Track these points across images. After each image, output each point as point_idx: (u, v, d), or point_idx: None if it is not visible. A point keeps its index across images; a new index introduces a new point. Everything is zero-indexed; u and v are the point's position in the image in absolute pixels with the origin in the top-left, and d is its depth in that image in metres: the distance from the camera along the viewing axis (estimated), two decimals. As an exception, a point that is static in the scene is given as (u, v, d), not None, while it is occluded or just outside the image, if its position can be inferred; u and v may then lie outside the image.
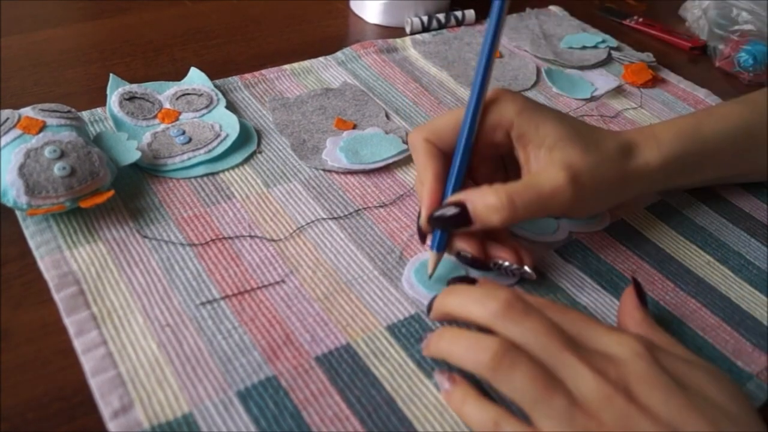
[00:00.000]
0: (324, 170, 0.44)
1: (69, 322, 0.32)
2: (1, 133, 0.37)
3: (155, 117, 0.46)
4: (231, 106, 0.48)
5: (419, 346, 0.33)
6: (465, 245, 0.36)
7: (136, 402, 0.29)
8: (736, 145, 0.41)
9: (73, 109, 0.41)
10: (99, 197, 0.37)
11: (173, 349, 0.32)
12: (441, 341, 0.31)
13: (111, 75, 0.48)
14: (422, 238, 0.37)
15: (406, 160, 0.45)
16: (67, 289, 0.34)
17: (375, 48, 0.58)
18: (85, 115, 0.45)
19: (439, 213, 0.35)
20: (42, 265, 0.35)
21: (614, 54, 0.61)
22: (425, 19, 0.62)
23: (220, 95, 0.48)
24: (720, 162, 0.42)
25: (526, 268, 0.36)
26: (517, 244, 0.37)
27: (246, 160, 0.44)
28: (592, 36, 0.63)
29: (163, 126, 0.45)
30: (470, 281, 0.35)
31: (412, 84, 0.54)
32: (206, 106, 0.47)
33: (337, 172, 0.44)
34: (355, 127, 0.48)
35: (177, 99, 0.47)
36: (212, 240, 0.38)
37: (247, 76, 0.52)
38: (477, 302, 0.31)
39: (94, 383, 0.30)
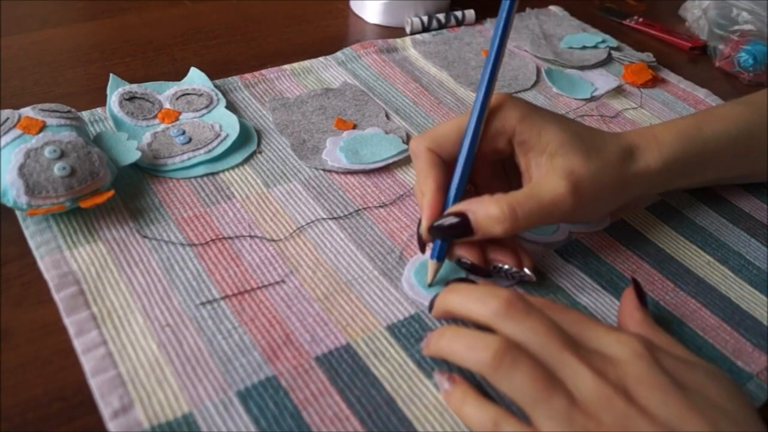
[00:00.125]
0: (324, 170, 0.44)
1: (69, 322, 0.32)
2: (1, 133, 0.37)
3: (155, 117, 0.46)
4: (231, 106, 0.48)
5: (419, 346, 0.33)
6: (465, 252, 0.36)
7: (136, 402, 0.29)
8: (737, 146, 0.41)
9: (73, 109, 0.41)
10: (99, 197, 0.37)
11: (173, 349, 0.32)
12: (441, 340, 0.31)
13: (111, 75, 0.48)
14: (422, 247, 0.37)
15: (406, 160, 0.45)
16: (67, 289, 0.34)
17: (375, 48, 0.58)
18: (85, 115, 0.45)
19: (439, 223, 0.35)
20: (42, 265, 0.35)
21: (614, 54, 0.61)
22: (425, 19, 0.62)
23: (220, 95, 0.48)
24: (720, 163, 0.42)
25: (526, 270, 0.36)
26: (516, 245, 0.37)
27: (246, 160, 0.44)
28: (592, 36, 0.63)
29: (163, 126, 0.45)
30: (471, 283, 0.35)
31: (412, 84, 0.54)
32: (206, 106, 0.47)
33: (337, 172, 0.44)
34: (355, 127, 0.48)
35: (177, 99, 0.47)
36: (212, 240, 0.38)
37: (247, 76, 0.52)
38: (478, 301, 0.31)
39: (94, 383, 0.30)
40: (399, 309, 0.35)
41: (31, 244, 0.36)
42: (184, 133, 0.44)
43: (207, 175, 0.43)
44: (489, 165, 0.39)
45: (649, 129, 0.40)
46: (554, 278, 0.38)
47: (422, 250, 0.37)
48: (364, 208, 0.42)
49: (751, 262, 0.41)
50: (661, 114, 0.54)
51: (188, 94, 0.48)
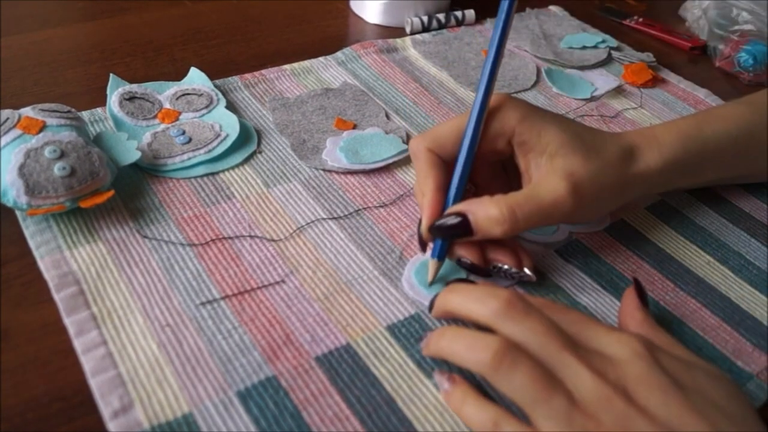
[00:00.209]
0: (324, 170, 0.44)
1: (69, 322, 0.32)
2: (1, 133, 0.37)
3: (155, 117, 0.46)
4: (231, 106, 0.48)
5: (419, 346, 0.33)
6: (465, 252, 0.36)
7: (136, 402, 0.29)
8: (737, 147, 0.41)
9: (73, 109, 0.41)
10: (99, 197, 0.37)
11: (173, 349, 0.32)
12: (442, 340, 0.31)
13: (111, 75, 0.48)
14: (422, 246, 0.37)
15: (406, 160, 0.45)
16: (67, 289, 0.34)
17: (375, 48, 0.58)
18: (85, 115, 0.45)
19: (440, 223, 0.35)
20: (42, 265, 0.35)
21: (614, 54, 0.61)
22: (425, 19, 0.62)
23: (220, 95, 0.48)
24: (721, 163, 0.42)
25: (526, 270, 0.36)
26: (516, 245, 0.37)
27: (246, 160, 0.44)
28: (592, 36, 0.63)
29: (163, 126, 0.45)
30: (471, 283, 0.35)
31: (412, 84, 0.54)
32: (206, 106, 0.47)
33: (337, 172, 0.44)
34: (355, 127, 0.48)
35: (177, 99, 0.47)
36: (212, 240, 0.38)
37: (247, 76, 0.52)
38: (478, 300, 0.31)
39: (94, 383, 0.30)
40: (399, 309, 0.35)
41: (31, 244, 0.36)
42: (184, 133, 0.44)
43: (207, 175, 0.43)
44: (489, 165, 0.39)
45: (649, 129, 0.40)
46: (554, 278, 0.38)
47: (423, 249, 0.37)
48: (364, 208, 0.42)
49: (751, 262, 0.41)
50: (661, 114, 0.54)
51: (188, 94, 0.48)
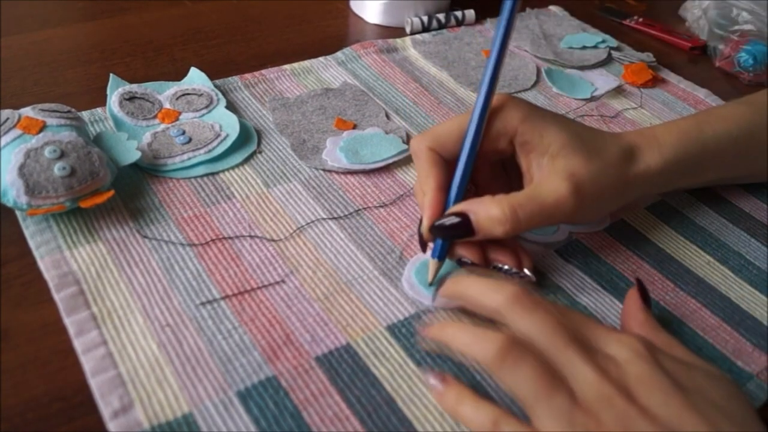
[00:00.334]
0: (324, 170, 0.44)
1: (69, 322, 0.32)
2: (1, 133, 0.37)
3: (155, 117, 0.46)
4: (231, 106, 0.48)
5: (419, 346, 0.33)
6: (465, 252, 0.36)
7: (136, 402, 0.29)
8: (738, 147, 0.41)
9: (73, 109, 0.41)
10: (99, 197, 0.37)
11: (173, 349, 0.32)
12: (448, 328, 0.31)
13: (111, 75, 0.48)
14: (423, 246, 0.37)
15: (406, 160, 0.45)
16: (67, 289, 0.34)
17: (375, 48, 0.58)
18: (85, 115, 0.45)
19: (440, 222, 0.35)
20: (42, 265, 0.35)
21: (614, 54, 0.61)
22: (425, 19, 0.62)
23: (220, 95, 0.48)
24: (721, 163, 0.42)
25: (526, 270, 0.36)
26: (517, 245, 0.37)
27: (246, 160, 0.44)
28: (592, 36, 0.63)
29: (163, 126, 0.45)
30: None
31: (412, 84, 0.54)
32: (206, 106, 0.47)
33: (337, 172, 0.44)
34: (355, 127, 0.48)
35: (177, 99, 0.47)
36: (212, 240, 0.38)
37: (247, 76, 0.52)
38: (490, 287, 0.31)
39: (94, 383, 0.30)
40: (399, 309, 0.35)
41: (31, 244, 0.36)
42: (184, 133, 0.44)
43: (207, 175, 0.43)
44: (490, 165, 0.39)
45: (649, 129, 0.40)
46: (554, 278, 0.38)
47: (423, 249, 0.37)
48: (364, 208, 0.42)
49: (751, 262, 0.41)
50: (661, 114, 0.54)
51: (188, 94, 0.48)
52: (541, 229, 0.41)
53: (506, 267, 0.36)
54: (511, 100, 0.37)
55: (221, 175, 0.43)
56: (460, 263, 0.36)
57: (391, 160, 0.45)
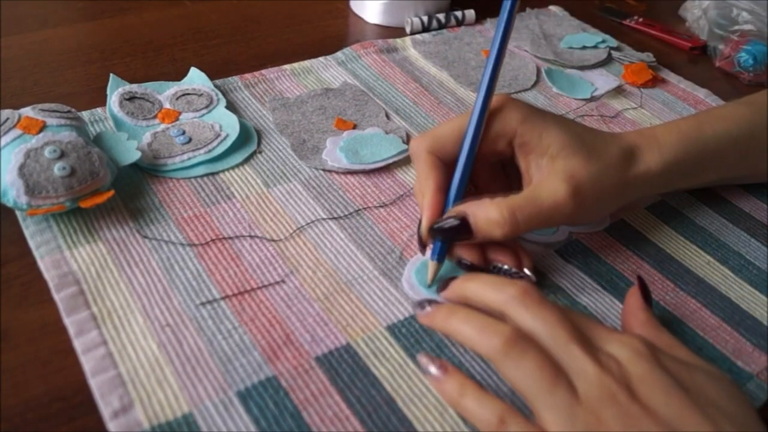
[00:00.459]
0: (324, 170, 0.44)
1: (69, 322, 0.32)
2: (1, 133, 0.37)
3: (155, 117, 0.46)
4: (231, 106, 0.48)
5: (420, 346, 0.33)
6: (465, 253, 0.36)
7: (136, 402, 0.29)
8: (738, 147, 0.41)
9: (73, 109, 0.41)
10: (99, 197, 0.37)
11: (173, 349, 0.32)
12: (452, 317, 0.31)
13: (111, 75, 0.48)
14: (422, 247, 0.37)
15: (406, 160, 0.45)
16: (67, 289, 0.34)
17: (375, 48, 0.58)
18: (85, 115, 0.45)
19: (440, 224, 0.35)
20: (42, 265, 0.35)
21: (614, 54, 0.61)
22: (425, 19, 0.62)
23: (220, 95, 0.48)
24: (721, 164, 0.42)
25: (526, 270, 0.36)
26: (517, 245, 0.37)
27: (246, 160, 0.44)
28: (592, 36, 0.63)
29: (163, 126, 0.45)
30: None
31: (412, 84, 0.54)
32: (206, 106, 0.47)
33: (337, 172, 0.44)
34: (355, 127, 0.48)
35: (177, 99, 0.47)
36: (212, 240, 0.38)
37: (247, 76, 0.52)
38: (495, 286, 0.31)
39: (94, 383, 0.30)
40: (399, 309, 0.35)
41: (31, 244, 0.36)
42: (184, 133, 0.44)
43: (207, 175, 0.43)
44: (489, 166, 0.39)
45: (649, 130, 0.40)
46: (554, 278, 0.38)
47: (422, 250, 0.37)
48: (364, 208, 0.42)
49: (751, 262, 0.41)
50: (661, 114, 0.54)
51: (188, 94, 0.48)
52: (540, 230, 0.41)
53: (506, 267, 0.36)
54: (510, 101, 0.37)
55: (221, 175, 0.43)
56: (460, 264, 0.36)
57: (391, 160, 0.45)
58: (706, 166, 0.41)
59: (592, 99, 0.55)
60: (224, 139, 0.44)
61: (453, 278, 0.34)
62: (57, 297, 0.34)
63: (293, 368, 0.32)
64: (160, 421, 0.29)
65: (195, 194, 0.41)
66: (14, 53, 0.53)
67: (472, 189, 0.39)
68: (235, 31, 0.60)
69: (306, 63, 0.55)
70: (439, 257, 0.36)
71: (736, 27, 0.64)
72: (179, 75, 0.51)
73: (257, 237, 0.39)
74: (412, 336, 0.34)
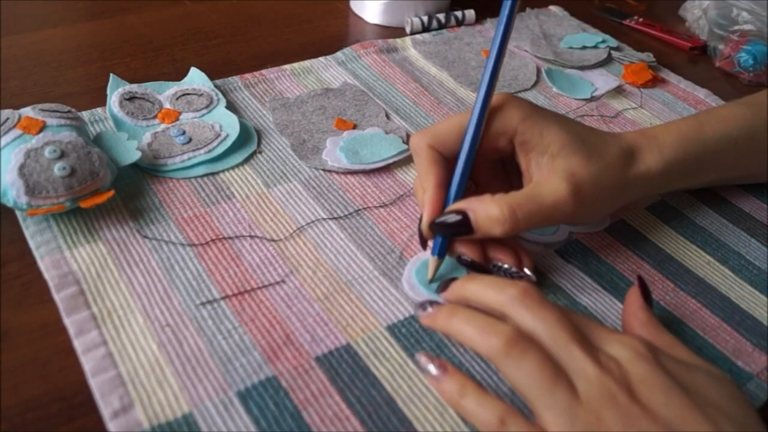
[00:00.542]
0: (324, 170, 0.44)
1: (69, 322, 0.32)
2: (1, 133, 0.37)
3: (155, 117, 0.46)
4: (231, 106, 0.48)
5: (420, 346, 0.33)
6: (465, 250, 0.36)
7: (136, 402, 0.29)
8: (738, 148, 0.41)
9: (73, 109, 0.41)
10: (99, 197, 0.37)
11: (173, 349, 0.32)
12: (453, 318, 0.31)
13: (111, 75, 0.48)
14: (423, 243, 0.37)
15: (406, 160, 0.45)
16: (67, 289, 0.34)
17: (375, 48, 0.58)
18: (85, 115, 0.45)
19: (440, 220, 0.35)
20: (42, 265, 0.35)
21: (614, 54, 0.61)
22: (425, 19, 0.62)
23: (220, 95, 0.48)
24: (721, 164, 0.42)
25: (526, 270, 0.36)
26: (517, 245, 0.37)
27: (246, 160, 0.44)
28: (592, 36, 0.63)
29: (163, 126, 0.45)
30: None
31: (412, 84, 0.54)
32: (206, 106, 0.47)
33: (337, 172, 0.44)
34: (355, 127, 0.48)
35: (177, 99, 0.47)
36: (212, 240, 0.38)
37: (247, 76, 0.52)
38: (495, 287, 0.31)
39: (94, 383, 0.30)
40: (399, 309, 0.35)
41: (31, 244, 0.36)
42: (184, 133, 0.44)
43: (207, 175, 0.43)
44: (489, 163, 0.39)
45: (649, 130, 0.40)
46: (554, 278, 0.38)
47: (423, 246, 0.37)
48: (364, 208, 0.42)
49: (751, 262, 0.41)
50: (661, 114, 0.54)
51: (188, 94, 0.48)
52: (540, 229, 0.41)
53: (506, 266, 0.36)
54: (511, 99, 0.37)
55: (221, 175, 0.43)
56: (460, 260, 0.36)
57: (391, 160, 0.45)
58: (706, 167, 0.41)
59: (592, 99, 0.55)
60: (224, 139, 0.44)
61: (453, 279, 0.34)
62: (57, 297, 0.34)
63: (293, 368, 0.32)
64: (160, 421, 0.29)
65: (195, 194, 0.41)
66: (14, 53, 0.53)
67: (472, 186, 0.39)
68: (235, 31, 0.60)
69: (306, 63, 0.55)
70: (440, 253, 0.36)
71: (736, 27, 0.64)
72: (179, 75, 0.51)
73: (257, 237, 0.39)
74: (412, 336, 0.34)
